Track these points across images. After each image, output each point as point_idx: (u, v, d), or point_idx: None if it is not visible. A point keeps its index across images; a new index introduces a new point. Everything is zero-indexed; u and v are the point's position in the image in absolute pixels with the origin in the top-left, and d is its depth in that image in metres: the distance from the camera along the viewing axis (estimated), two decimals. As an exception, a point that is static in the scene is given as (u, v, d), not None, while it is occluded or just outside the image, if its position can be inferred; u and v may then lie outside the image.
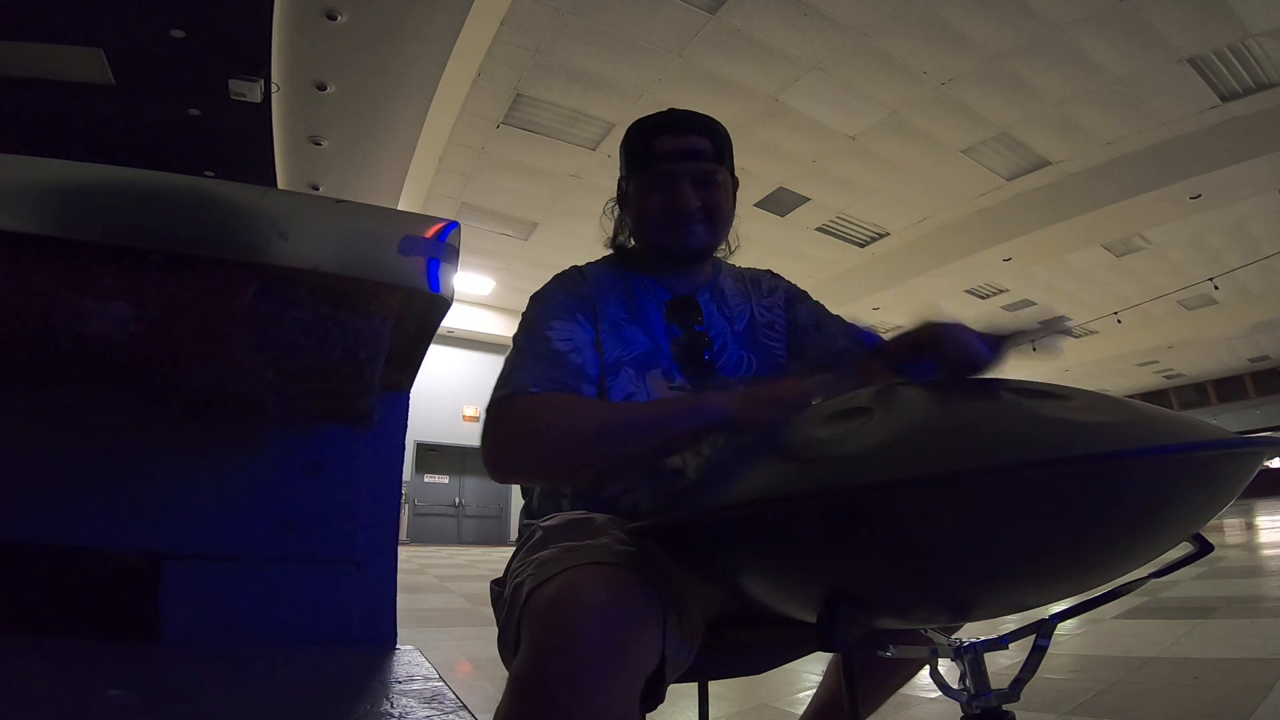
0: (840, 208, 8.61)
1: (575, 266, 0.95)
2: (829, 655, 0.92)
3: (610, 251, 1.01)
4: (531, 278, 8.79)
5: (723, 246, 0.99)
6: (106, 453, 0.95)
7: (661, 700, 0.61)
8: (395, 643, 1.06)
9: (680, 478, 0.85)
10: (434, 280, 0.99)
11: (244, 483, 1.00)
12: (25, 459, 0.92)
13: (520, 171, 7.76)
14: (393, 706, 0.68)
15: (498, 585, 0.79)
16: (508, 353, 0.86)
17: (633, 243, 0.98)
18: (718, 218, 0.91)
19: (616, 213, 0.99)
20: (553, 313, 0.86)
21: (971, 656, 0.56)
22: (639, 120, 0.92)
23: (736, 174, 0.98)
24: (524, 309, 0.91)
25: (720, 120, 0.94)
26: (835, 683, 0.96)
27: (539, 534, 0.78)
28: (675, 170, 0.87)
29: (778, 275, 1.07)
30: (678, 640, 0.62)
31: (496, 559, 8.25)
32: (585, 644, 0.54)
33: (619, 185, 0.97)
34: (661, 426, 0.71)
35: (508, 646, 0.66)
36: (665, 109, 0.94)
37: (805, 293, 1.05)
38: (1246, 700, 1.60)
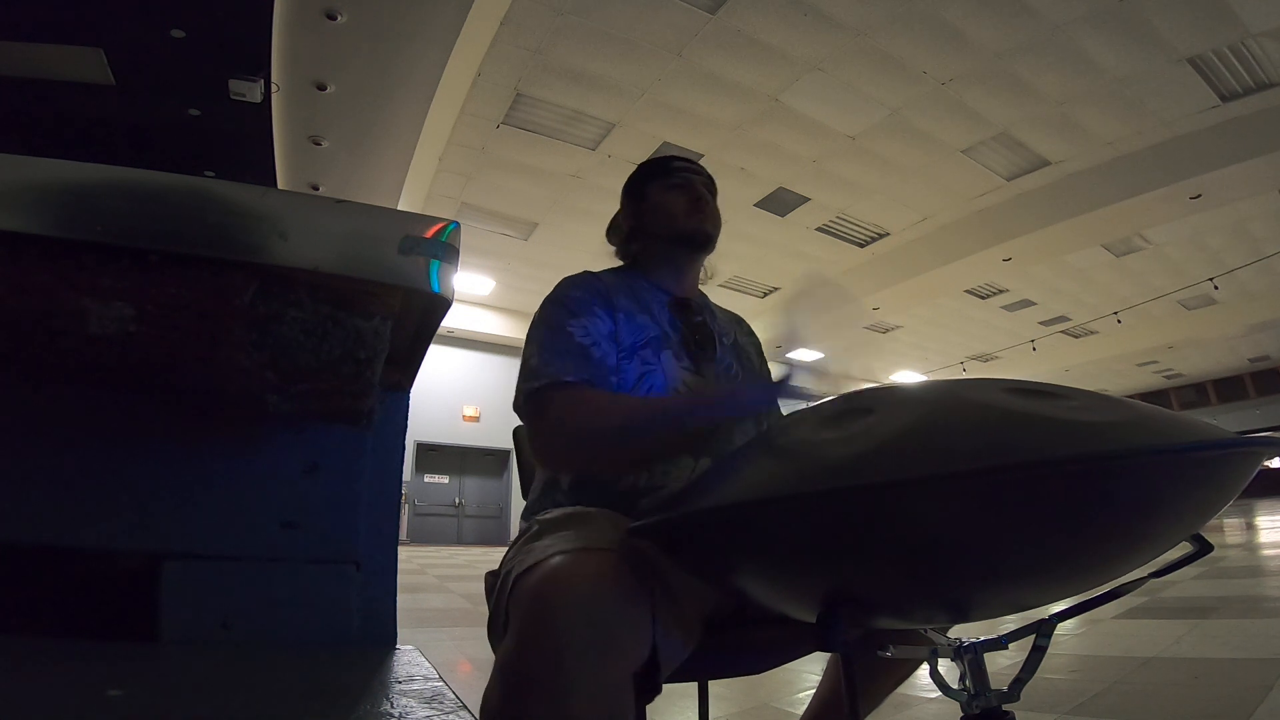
0: (840, 208, 8.61)
1: (588, 271, 1.02)
2: (829, 655, 0.92)
3: (616, 261, 1.11)
4: (531, 278, 8.74)
5: (702, 273, 1.11)
6: (107, 453, 0.95)
7: (658, 692, 0.61)
8: (395, 643, 1.06)
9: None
10: (434, 280, 0.99)
11: (244, 483, 1.01)
12: (26, 459, 0.92)
13: (520, 171, 7.76)
14: (393, 706, 0.69)
15: (493, 576, 0.80)
16: (527, 352, 0.87)
17: (636, 251, 1.08)
18: (718, 219, 1.07)
19: (621, 233, 1.10)
20: (571, 310, 0.90)
21: (971, 656, 0.56)
22: (645, 161, 1.12)
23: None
24: (535, 312, 0.94)
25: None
26: (836, 681, 0.97)
27: (535, 526, 0.79)
28: (692, 178, 1.06)
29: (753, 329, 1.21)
30: (668, 630, 0.62)
31: (497, 559, 8.18)
32: (567, 628, 0.54)
33: (627, 207, 1.10)
34: (693, 416, 0.79)
35: (496, 632, 0.66)
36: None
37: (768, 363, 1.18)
38: (1246, 700, 1.60)
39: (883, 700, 0.94)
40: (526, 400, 0.82)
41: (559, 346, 0.84)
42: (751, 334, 1.17)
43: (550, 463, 0.82)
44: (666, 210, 1.04)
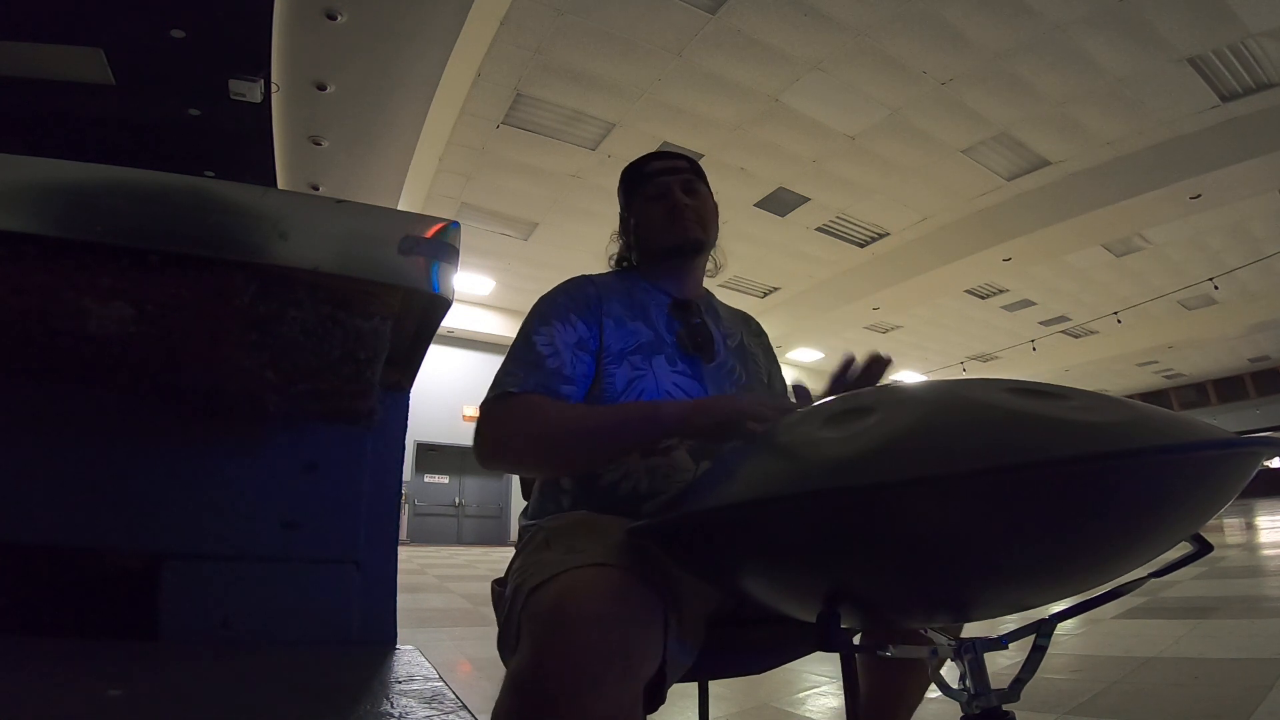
0: (840, 208, 8.61)
1: (584, 275, 1.02)
2: (831, 655, 0.92)
3: (613, 266, 1.10)
4: (531, 278, 8.76)
5: (710, 265, 1.09)
6: (107, 453, 0.95)
7: (663, 701, 0.61)
8: (395, 643, 1.06)
9: (672, 453, 0.87)
10: (434, 280, 0.99)
11: (244, 483, 1.00)
12: (27, 459, 0.92)
13: (520, 171, 7.76)
14: (393, 706, 0.69)
15: (499, 585, 0.79)
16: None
17: (635, 259, 1.07)
18: (706, 216, 1.04)
19: (619, 243, 1.10)
20: (544, 318, 0.91)
21: (971, 656, 0.56)
22: (628, 166, 1.09)
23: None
24: (527, 310, 0.96)
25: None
26: (873, 684, 0.92)
27: (542, 534, 0.78)
28: (667, 181, 1.02)
29: (762, 327, 1.19)
30: (679, 642, 0.62)
31: (496, 559, 8.25)
32: (586, 647, 0.54)
33: (621, 217, 1.09)
34: (620, 431, 0.79)
35: (508, 646, 0.66)
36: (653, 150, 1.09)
37: (778, 361, 1.16)
38: (1246, 700, 1.60)
39: (918, 703, 0.91)
40: (480, 408, 0.86)
41: (521, 356, 0.88)
42: (760, 333, 1.15)
43: (485, 463, 0.86)
44: (648, 224, 1.03)
